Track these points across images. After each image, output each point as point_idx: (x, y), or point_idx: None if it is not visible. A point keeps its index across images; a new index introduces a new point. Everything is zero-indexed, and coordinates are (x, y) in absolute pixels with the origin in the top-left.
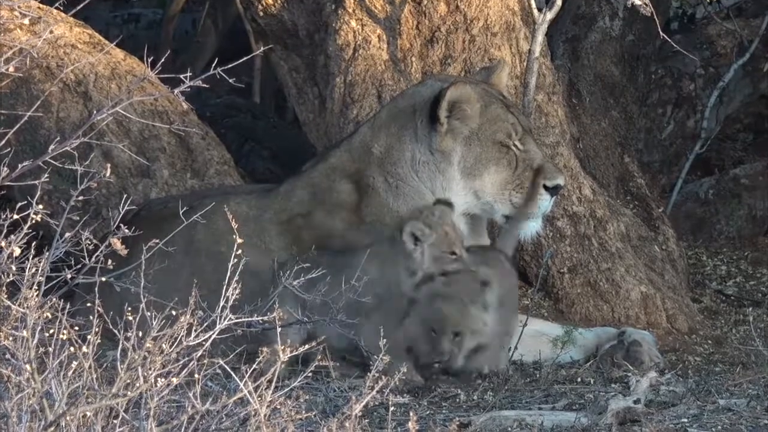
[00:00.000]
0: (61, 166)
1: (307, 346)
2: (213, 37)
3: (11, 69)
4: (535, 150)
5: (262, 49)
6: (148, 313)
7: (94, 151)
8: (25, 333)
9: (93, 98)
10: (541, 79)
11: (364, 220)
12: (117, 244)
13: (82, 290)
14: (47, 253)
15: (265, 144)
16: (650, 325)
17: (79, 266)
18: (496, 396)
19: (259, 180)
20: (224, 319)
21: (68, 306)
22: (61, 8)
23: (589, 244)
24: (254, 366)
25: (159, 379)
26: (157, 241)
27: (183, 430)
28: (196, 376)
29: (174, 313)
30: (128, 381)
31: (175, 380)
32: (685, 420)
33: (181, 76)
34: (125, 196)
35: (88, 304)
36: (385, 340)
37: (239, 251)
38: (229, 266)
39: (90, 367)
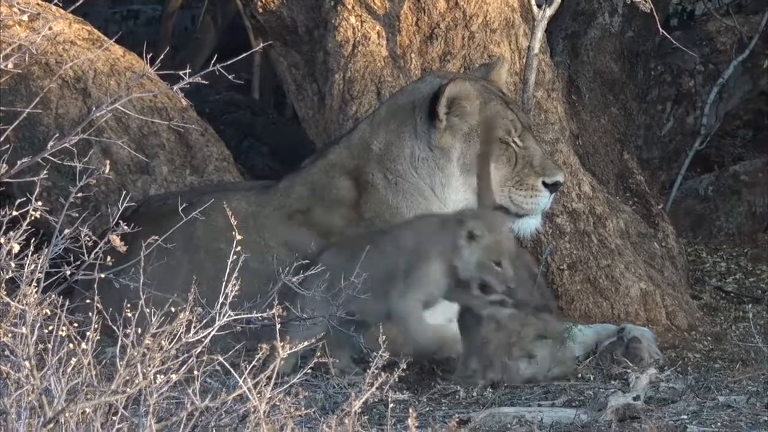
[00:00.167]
0: (60, 162)
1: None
2: (212, 34)
3: (10, 66)
4: (535, 147)
5: (261, 45)
6: (148, 310)
7: (93, 147)
8: (24, 330)
9: (92, 95)
10: (541, 75)
11: (363, 216)
12: (116, 240)
13: (82, 287)
14: (46, 250)
15: (264, 140)
16: (650, 322)
17: (79, 263)
18: (495, 393)
19: (258, 176)
20: (224, 316)
21: (67, 303)
22: (60, 5)
23: (589, 240)
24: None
25: (158, 375)
26: (157, 237)
27: (182, 426)
28: (196, 372)
29: (173, 309)
30: (127, 378)
31: (174, 377)
32: (685, 417)
33: (180, 73)
34: (124, 192)
35: (88, 301)
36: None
37: (238, 248)
38: (229, 263)
39: (89, 364)
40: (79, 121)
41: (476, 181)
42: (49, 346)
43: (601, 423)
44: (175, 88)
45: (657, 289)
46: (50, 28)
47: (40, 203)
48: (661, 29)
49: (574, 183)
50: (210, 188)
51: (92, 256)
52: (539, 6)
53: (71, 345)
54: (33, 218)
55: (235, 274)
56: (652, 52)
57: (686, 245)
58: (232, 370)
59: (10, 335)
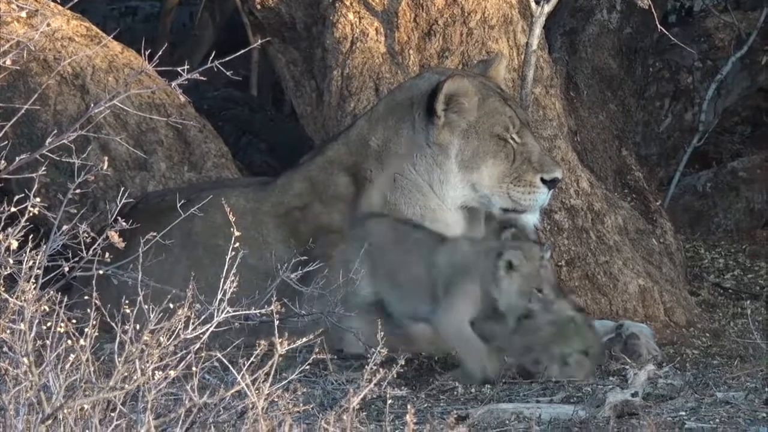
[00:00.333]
0: (58, 158)
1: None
2: (210, 30)
3: (8, 62)
4: (533, 143)
5: (259, 42)
6: (146, 306)
7: (92, 143)
8: (22, 326)
9: (90, 91)
10: (539, 72)
11: (361, 213)
12: (114, 237)
13: (80, 283)
14: (44, 246)
15: (262, 137)
16: (648, 318)
17: (77, 259)
18: (494, 389)
19: (256, 173)
20: (222, 312)
21: (66, 299)
22: (59, 1)
23: (587, 237)
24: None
25: (156, 371)
26: (155, 234)
27: (180, 422)
28: (194, 369)
29: (171, 306)
30: (126, 374)
31: (172, 373)
32: (683, 413)
33: (179, 69)
34: (122, 188)
35: (86, 297)
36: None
37: (237, 244)
38: (227, 259)
39: (87, 360)
40: (77, 118)
41: (474, 177)
42: (48, 342)
43: (600, 419)
44: (174, 84)
45: (655, 285)
46: (48, 25)
47: (38, 199)
48: (659, 26)
49: (573, 179)
50: (208, 185)
51: (90, 252)
52: (537, 2)
53: (69, 341)
54: (31, 214)
55: (234, 271)
56: (650, 48)
57: (684, 242)
58: (230, 366)
59: (8, 331)
